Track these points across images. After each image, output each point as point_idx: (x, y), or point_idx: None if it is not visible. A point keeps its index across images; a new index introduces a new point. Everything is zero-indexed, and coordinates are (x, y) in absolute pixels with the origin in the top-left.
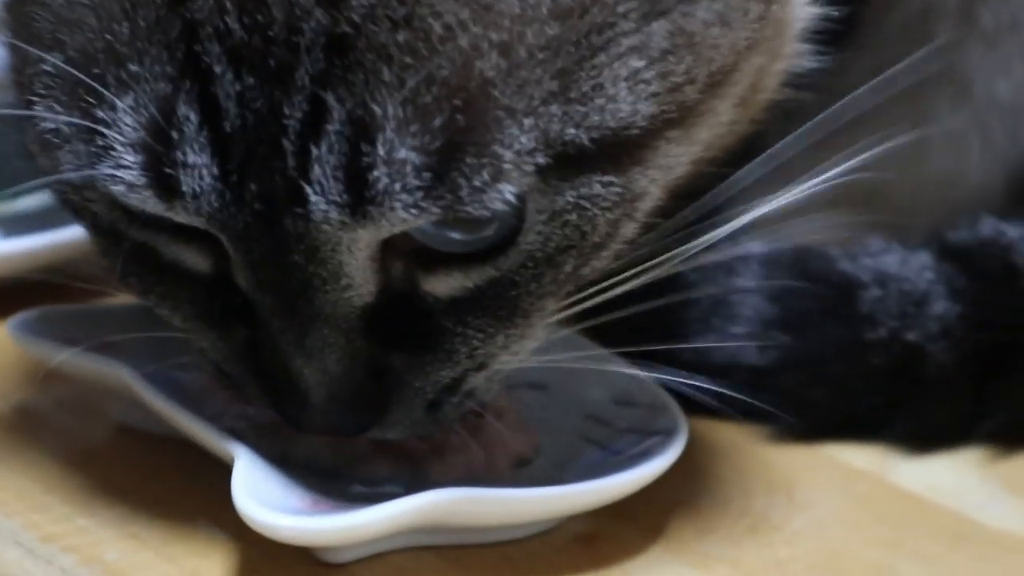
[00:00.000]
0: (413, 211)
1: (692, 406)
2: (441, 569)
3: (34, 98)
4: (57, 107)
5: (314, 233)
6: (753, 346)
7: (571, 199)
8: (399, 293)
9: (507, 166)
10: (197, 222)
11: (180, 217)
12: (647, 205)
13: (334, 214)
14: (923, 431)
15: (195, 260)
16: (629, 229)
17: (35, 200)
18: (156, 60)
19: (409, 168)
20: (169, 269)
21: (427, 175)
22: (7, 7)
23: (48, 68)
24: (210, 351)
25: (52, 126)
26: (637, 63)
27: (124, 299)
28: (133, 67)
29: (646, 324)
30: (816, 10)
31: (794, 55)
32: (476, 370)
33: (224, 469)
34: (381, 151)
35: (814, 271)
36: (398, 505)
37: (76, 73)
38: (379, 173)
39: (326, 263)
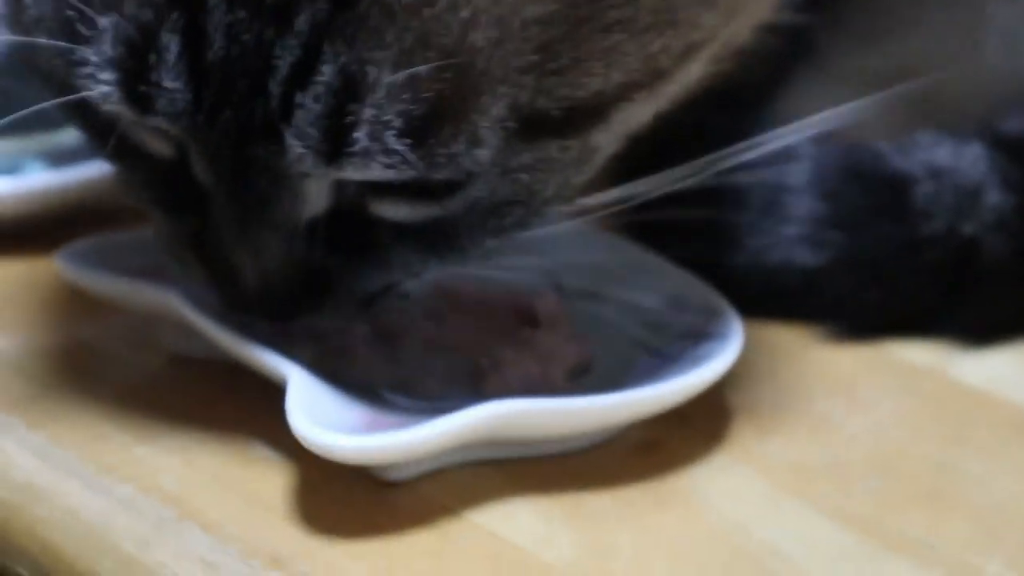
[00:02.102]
0: (389, 171)
1: (747, 307)
2: (501, 483)
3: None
4: (41, 10)
5: (283, 167)
6: (806, 246)
7: (526, 160)
8: (346, 209)
9: (483, 133)
10: (168, 130)
11: (152, 124)
12: (600, 158)
13: (308, 159)
14: (983, 324)
15: (158, 146)
16: (578, 181)
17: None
18: None
19: (391, 132)
20: (132, 149)
21: (407, 140)
22: None
23: None
24: (162, 231)
25: (35, 12)
26: (619, 36)
27: None
28: None
29: (695, 227)
30: None
31: (774, 9)
32: (407, 278)
33: (278, 392)
34: (368, 112)
35: (865, 168)
36: (456, 419)
37: None
38: (361, 133)
39: (288, 188)
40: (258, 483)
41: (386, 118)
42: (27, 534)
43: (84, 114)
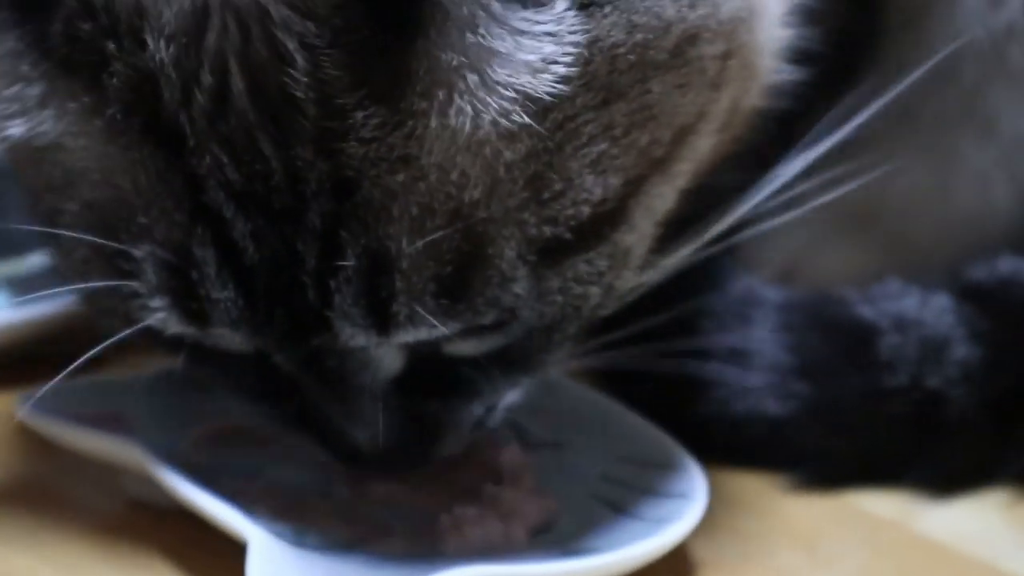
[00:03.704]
0: (435, 331)
1: (711, 455)
2: None
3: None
4: (80, 254)
5: (342, 348)
6: (771, 396)
7: (556, 284)
8: (422, 359)
9: (507, 272)
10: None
11: (216, 335)
12: (640, 250)
13: (360, 336)
14: (947, 477)
15: (235, 344)
16: (627, 278)
17: (44, 260)
18: (164, 211)
19: (428, 296)
20: (214, 355)
21: (444, 301)
22: (11, 150)
23: (65, 214)
24: (267, 417)
25: (80, 256)
26: (601, 146)
27: (134, 369)
28: (142, 219)
29: (660, 374)
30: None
31: (772, 72)
32: (502, 396)
33: (237, 545)
34: (399, 284)
35: (831, 317)
36: None
37: (87, 234)
38: (399, 305)
39: (356, 361)
40: None
41: (419, 284)
42: None
43: (156, 339)
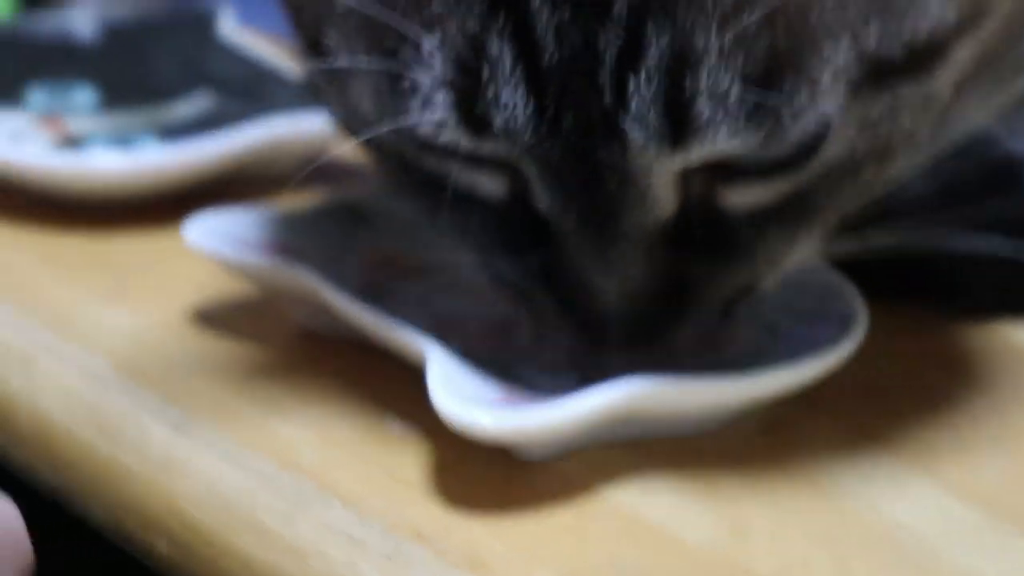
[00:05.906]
0: (735, 139)
1: (865, 288)
2: (635, 464)
3: (326, 37)
4: (353, 47)
5: (629, 162)
6: (920, 231)
7: (883, 108)
8: (696, 205)
9: (824, 86)
10: (506, 155)
11: (488, 150)
12: (939, 107)
13: (652, 144)
14: None
15: (489, 186)
16: (924, 134)
17: (190, 106)
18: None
19: (732, 97)
20: (459, 196)
21: (750, 102)
22: None
23: (339, 8)
24: (507, 273)
25: (346, 66)
26: None
27: (293, 203)
28: (436, 8)
29: None
30: None
31: None
32: (770, 271)
33: (408, 370)
34: (704, 82)
35: (977, 149)
36: (601, 397)
37: (374, 14)
38: (702, 104)
39: (636, 187)
40: (396, 459)
41: (724, 82)
42: (166, 508)
43: (405, 171)
